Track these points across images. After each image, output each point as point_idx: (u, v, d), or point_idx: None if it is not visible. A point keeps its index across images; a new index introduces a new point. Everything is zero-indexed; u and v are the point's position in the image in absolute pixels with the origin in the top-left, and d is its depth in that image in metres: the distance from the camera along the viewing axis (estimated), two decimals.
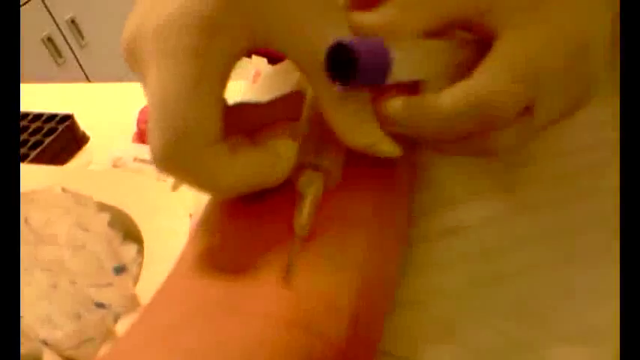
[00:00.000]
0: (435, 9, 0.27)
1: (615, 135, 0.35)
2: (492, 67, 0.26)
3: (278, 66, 0.53)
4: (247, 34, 0.25)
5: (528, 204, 0.34)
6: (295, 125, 0.29)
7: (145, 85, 0.26)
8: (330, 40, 0.24)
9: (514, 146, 0.28)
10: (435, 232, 0.33)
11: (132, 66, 0.27)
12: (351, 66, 0.24)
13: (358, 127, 0.27)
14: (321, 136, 0.28)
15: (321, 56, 0.25)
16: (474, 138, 0.28)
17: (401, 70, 0.25)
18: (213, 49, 0.24)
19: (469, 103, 0.26)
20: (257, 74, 0.67)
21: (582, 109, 0.30)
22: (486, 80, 0.26)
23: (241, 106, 0.31)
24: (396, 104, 0.27)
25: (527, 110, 0.27)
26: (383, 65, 0.24)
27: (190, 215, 0.51)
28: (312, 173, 0.27)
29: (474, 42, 0.28)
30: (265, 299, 0.24)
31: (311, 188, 0.27)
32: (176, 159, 0.25)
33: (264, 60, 1.10)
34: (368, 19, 0.28)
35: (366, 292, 0.27)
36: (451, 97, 0.26)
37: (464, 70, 0.27)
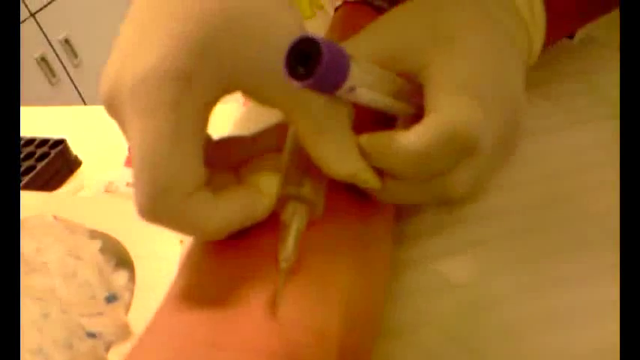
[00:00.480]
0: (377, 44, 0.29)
1: (598, 158, 0.36)
2: (444, 97, 0.27)
3: None
4: (220, 83, 0.26)
5: (513, 229, 0.34)
6: (278, 157, 0.30)
7: (127, 140, 0.26)
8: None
9: (469, 188, 0.29)
10: (421, 259, 0.33)
11: (113, 118, 0.27)
12: (311, 63, 0.24)
13: (340, 158, 0.27)
14: (304, 167, 0.28)
15: (294, 92, 0.25)
16: (431, 182, 0.28)
17: (358, 78, 0.26)
18: (188, 101, 0.25)
19: (445, 135, 0.26)
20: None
21: (563, 137, 0.31)
22: (449, 109, 0.27)
23: (227, 141, 0.31)
24: (361, 140, 0.27)
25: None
26: (342, 64, 0.25)
27: (181, 242, 0.51)
28: (295, 205, 0.27)
29: None
30: (252, 333, 0.25)
31: (295, 220, 0.27)
32: (161, 211, 0.25)
33: None
34: None
35: (352, 320, 0.27)
36: (422, 133, 0.26)
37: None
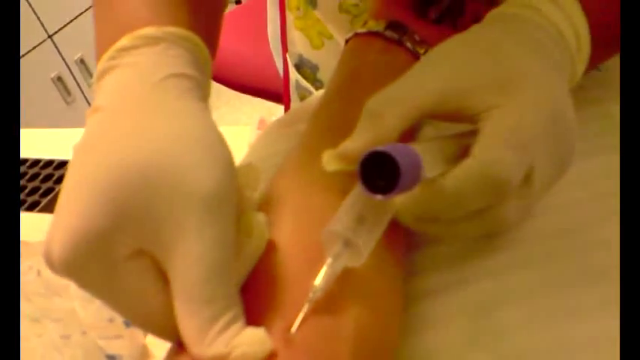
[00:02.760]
0: (410, 108, 0.29)
1: (608, 189, 0.36)
2: (486, 143, 0.28)
3: (282, 118, 0.54)
4: (138, 239, 0.26)
5: (526, 258, 0.34)
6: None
7: None
8: (181, 244, 0.25)
9: (518, 219, 0.30)
10: (435, 289, 0.34)
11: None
12: (386, 172, 0.24)
13: (201, 340, 0.26)
14: (364, 217, 0.28)
15: (168, 260, 0.26)
16: (482, 216, 0.29)
17: (427, 171, 0.26)
18: (118, 257, 0.25)
19: (473, 179, 0.27)
20: (262, 121, 0.69)
21: (574, 166, 0.32)
22: (485, 155, 0.28)
23: None
24: (415, 192, 0.28)
25: (525, 181, 0.29)
26: (417, 168, 0.25)
27: None
28: (342, 248, 0.27)
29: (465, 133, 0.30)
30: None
31: (336, 261, 0.27)
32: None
33: (269, 107, 1.13)
34: (353, 144, 0.29)
35: (363, 349, 0.28)
36: (456, 178, 0.27)
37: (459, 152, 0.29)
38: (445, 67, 0.30)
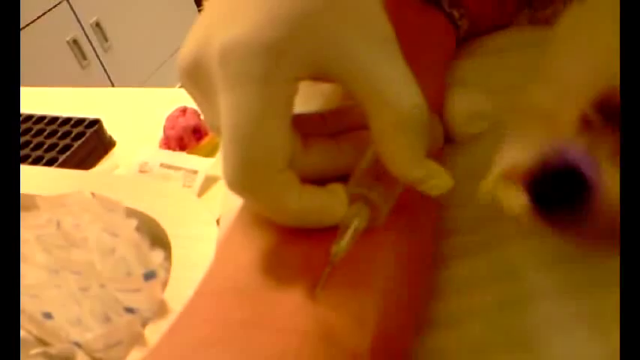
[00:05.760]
0: None
1: None
2: None
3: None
4: (309, 62, 0.25)
5: None
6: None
7: (209, 109, 0.27)
8: (386, 71, 0.25)
9: None
10: (466, 250, 0.33)
11: (191, 86, 0.27)
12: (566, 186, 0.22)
13: (412, 160, 0.27)
14: (380, 173, 0.28)
15: (376, 86, 0.25)
16: None
17: None
18: (278, 76, 0.24)
19: None
20: None
21: None
22: None
23: (296, 117, 0.31)
24: None
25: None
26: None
27: (217, 221, 0.52)
28: (361, 206, 0.27)
29: None
30: (288, 314, 0.25)
31: (356, 220, 0.27)
32: (246, 184, 0.26)
33: None
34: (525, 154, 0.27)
35: (389, 309, 0.27)
36: None
37: None
38: (607, 57, 0.28)
